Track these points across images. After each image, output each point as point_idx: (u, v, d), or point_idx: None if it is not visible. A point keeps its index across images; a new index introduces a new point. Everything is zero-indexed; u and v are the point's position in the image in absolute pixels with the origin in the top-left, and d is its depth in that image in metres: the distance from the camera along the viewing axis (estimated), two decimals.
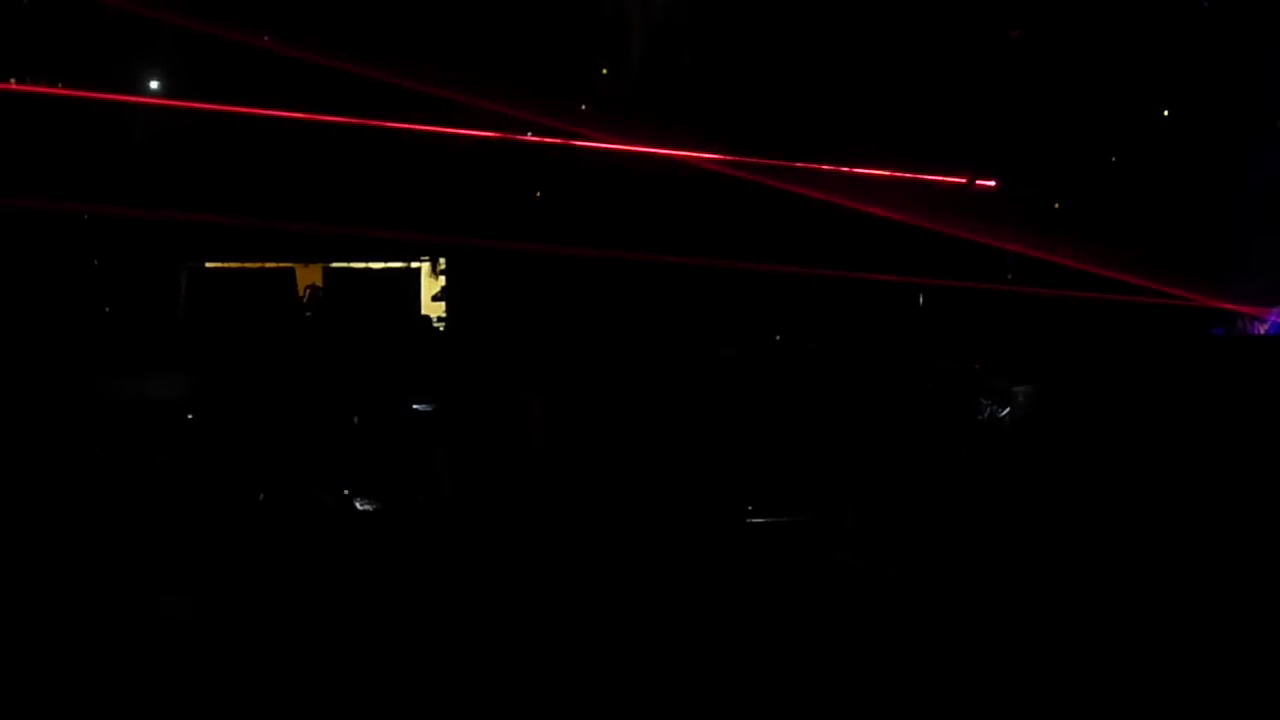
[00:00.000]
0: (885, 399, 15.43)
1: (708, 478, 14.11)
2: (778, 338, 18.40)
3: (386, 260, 19.85)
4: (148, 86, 19.16)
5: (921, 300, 18.92)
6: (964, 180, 19.15)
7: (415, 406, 16.83)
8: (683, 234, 18.08)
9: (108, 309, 18.27)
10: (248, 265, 19.34)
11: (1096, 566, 11.40)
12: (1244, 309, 17.38)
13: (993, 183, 19.19)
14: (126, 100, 18.61)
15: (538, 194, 19.30)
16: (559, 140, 18.58)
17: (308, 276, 19.05)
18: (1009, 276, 18.51)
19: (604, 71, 19.93)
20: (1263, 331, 17.12)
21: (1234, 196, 18.28)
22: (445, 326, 19.46)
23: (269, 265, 19.22)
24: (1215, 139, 18.38)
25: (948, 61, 18.74)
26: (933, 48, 18.74)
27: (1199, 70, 18.36)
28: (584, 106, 19.41)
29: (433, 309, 19.87)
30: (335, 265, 19.47)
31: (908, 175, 18.85)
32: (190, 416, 15.58)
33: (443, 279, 19.97)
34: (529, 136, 18.78)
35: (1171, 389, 14.09)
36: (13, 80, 18.23)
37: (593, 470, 14.10)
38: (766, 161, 18.46)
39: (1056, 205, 19.25)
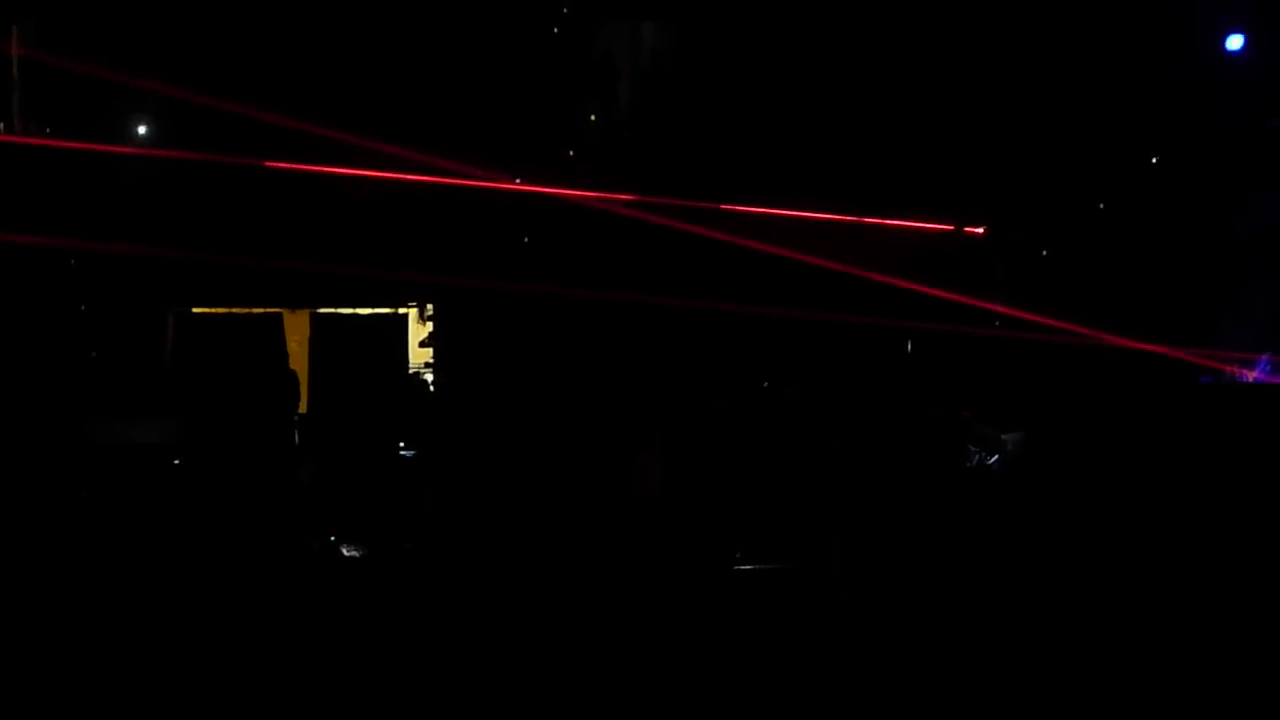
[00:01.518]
0: (873, 447, 15.40)
1: (696, 524, 14.09)
2: (765, 385, 18.38)
3: (374, 306, 19.83)
4: (136, 133, 19.16)
5: (909, 347, 18.91)
6: (952, 228, 19.16)
7: (402, 452, 16.82)
8: (670, 278, 18.08)
9: (94, 354, 18.22)
10: (235, 311, 19.31)
11: (1086, 615, 11.38)
12: (1233, 356, 17.37)
13: (980, 230, 19.20)
14: (115, 150, 18.64)
15: (525, 239, 19.30)
16: (546, 189, 18.60)
17: (295, 322, 19.03)
18: (996, 323, 18.50)
19: (592, 118, 19.95)
20: (1251, 379, 17.09)
21: (1223, 243, 18.29)
22: (434, 372, 19.45)
23: (256, 310, 19.18)
24: (1204, 186, 18.41)
25: (937, 107, 18.77)
26: (923, 94, 18.78)
27: (1188, 117, 18.39)
28: (571, 153, 19.45)
29: (420, 354, 19.86)
30: (323, 311, 19.44)
31: (895, 223, 18.86)
32: (177, 461, 15.56)
33: (430, 324, 19.95)
34: (517, 184, 18.80)
35: (1161, 437, 14.09)
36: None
37: (579, 513, 14.08)
38: (754, 210, 18.47)
39: (1044, 252, 19.25)
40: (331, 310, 19.57)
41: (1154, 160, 18.83)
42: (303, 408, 18.00)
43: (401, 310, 20.12)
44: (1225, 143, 18.32)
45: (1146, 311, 17.68)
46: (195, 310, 19.45)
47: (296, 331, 18.89)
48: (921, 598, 12.12)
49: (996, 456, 15.81)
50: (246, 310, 19.24)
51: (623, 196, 18.44)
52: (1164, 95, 18.32)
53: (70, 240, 17.47)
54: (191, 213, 18.41)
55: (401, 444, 17.14)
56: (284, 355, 18.41)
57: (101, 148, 18.33)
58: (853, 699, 9.98)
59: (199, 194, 18.54)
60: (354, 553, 13.87)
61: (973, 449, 15.95)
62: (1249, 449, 13.53)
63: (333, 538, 14.15)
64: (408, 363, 19.61)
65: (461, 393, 18.61)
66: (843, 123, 18.94)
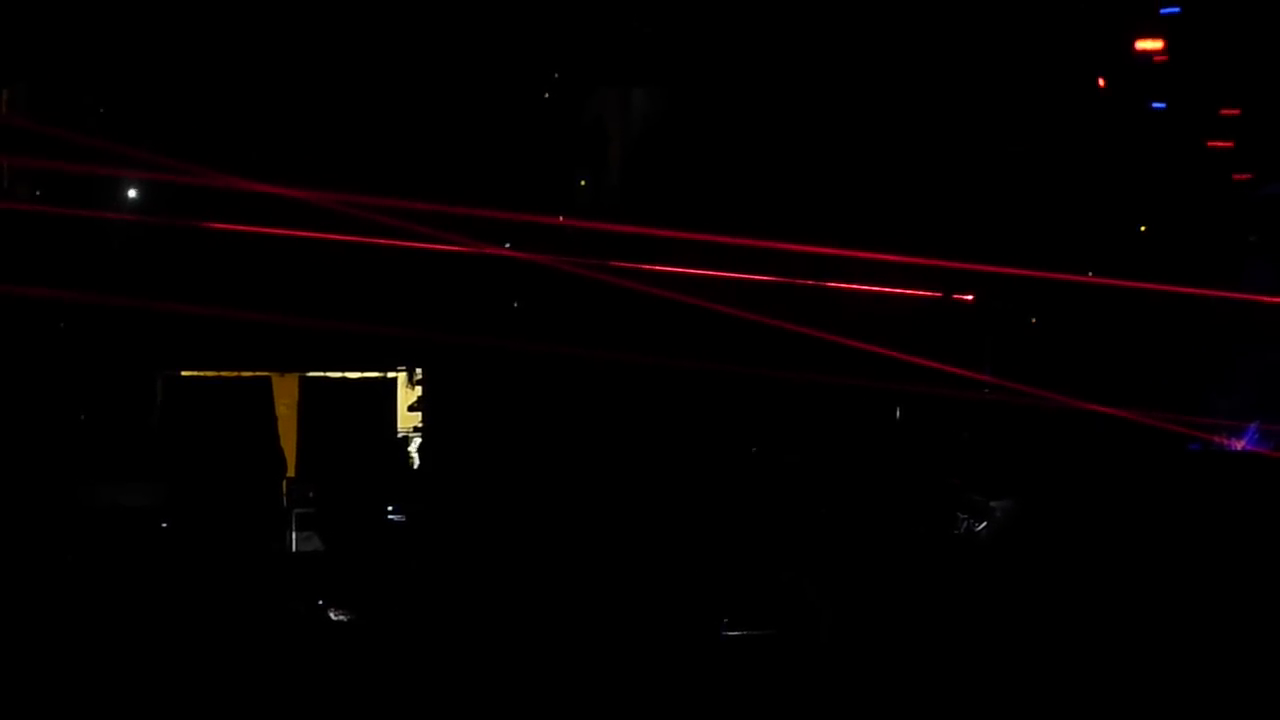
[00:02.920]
0: (862, 513, 15.39)
1: (682, 590, 14.05)
2: (755, 450, 18.38)
3: (363, 370, 19.84)
4: (126, 196, 19.19)
5: (899, 414, 18.92)
6: (940, 295, 19.20)
7: (391, 516, 16.79)
8: (661, 343, 18.09)
9: (83, 417, 18.21)
10: (224, 374, 19.31)
11: (1075, 681, 11.36)
12: (1221, 424, 17.39)
13: (969, 297, 19.24)
14: (105, 216, 18.69)
15: (515, 304, 19.33)
16: (536, 256, 18.65)
17: (284, 386, 19.03)
18: (985, 390, 18.52)
19: (582, 183, 20.01)
20: (1239, 448, 17.12)
21: (1211, 311, 18.33)
22: (422, 436, 19.44)
23: (245, 374, 19.19)
24: (1191, 254, 18.48)
25: (928, 176, 18.84)
26: (913, 162, 18.85)
27: (1176, 185, 18.47)
28: (562, 217, 19.49)
29: (409, 419, 19.87)
30: (312, 375, 19.45)
31: (884, 291, 18.91)
32: (164, 524, 15.52)
33: (419, 389, 19.96)
34: (506, 249, 18.84)
35: (1150, 505, 14.09)
36: None
37: (570, 580, 14.05)
38: (743, 276, 18.51)
39: (1033, 320, 19.30)
40: (320, 374, 19.58)
41: (1142, 228, 18.90)
42: (290, 471, 17.99)
43: (390, 375, 20.14)
44: (1216, 211, 18.40)
45: (1135, 380, 17.71)
46: (184, 373, 19.46)
47: (286, 395, 18.90)
48: (910, 664, 12.09)
49: (985, 524, 15.80)
50: (236, 374, 19.24)
51: (614, 263, 18.47)
52: (1152, 162, 18.41)
53: (58, 303, 17.50)
54: (181, 276, 18.42)
55: (390, 508, 17.12)
56: (273, 419, 18.41)
57: (90, 213, 18.36)
58: None
59: (189, 258, 18.56)
60: (342, 617, 13.82)
61: (961, 516, 15.94)
62: (1237, 517, 13.53)
63: (320, 601, 14.11)
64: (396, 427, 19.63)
65: (449, 457, 18.60)
66: (833, 190, 19.00)
